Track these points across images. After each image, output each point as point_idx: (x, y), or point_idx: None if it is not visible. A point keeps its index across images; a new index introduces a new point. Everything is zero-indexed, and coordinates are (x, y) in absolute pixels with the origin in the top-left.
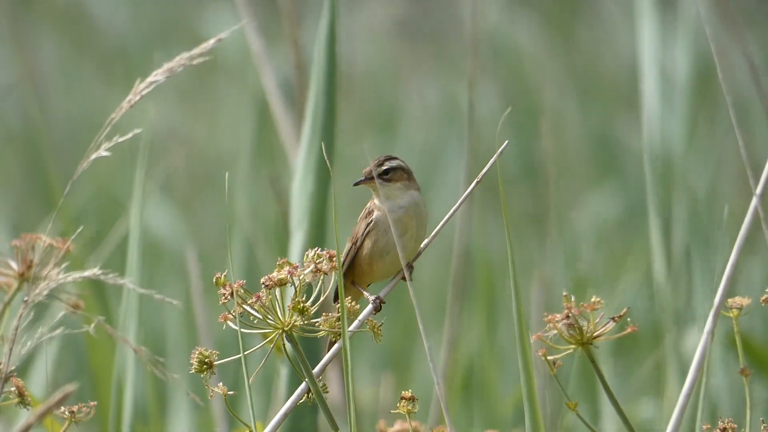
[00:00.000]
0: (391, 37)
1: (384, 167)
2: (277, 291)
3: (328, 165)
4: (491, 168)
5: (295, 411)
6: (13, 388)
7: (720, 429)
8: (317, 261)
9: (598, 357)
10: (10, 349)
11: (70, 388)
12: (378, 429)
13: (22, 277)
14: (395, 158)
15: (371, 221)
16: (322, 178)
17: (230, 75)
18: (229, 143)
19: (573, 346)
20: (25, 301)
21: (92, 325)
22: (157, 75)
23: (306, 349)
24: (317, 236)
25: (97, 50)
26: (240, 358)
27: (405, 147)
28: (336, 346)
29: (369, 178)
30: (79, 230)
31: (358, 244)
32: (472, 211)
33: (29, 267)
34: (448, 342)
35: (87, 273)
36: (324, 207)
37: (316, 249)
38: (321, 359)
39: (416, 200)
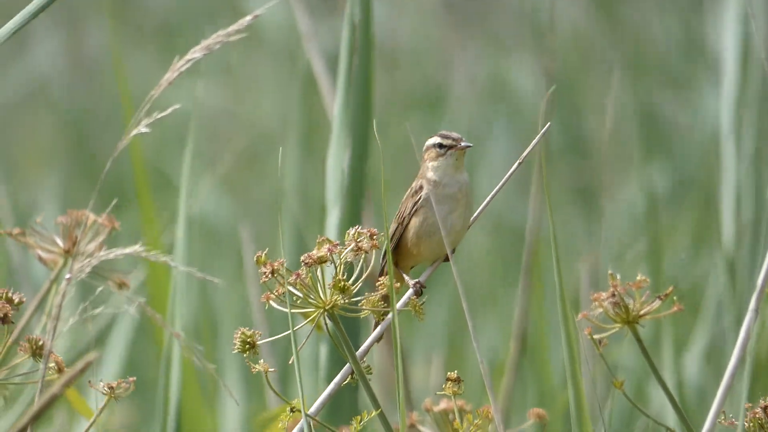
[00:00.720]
0: (436, 14)
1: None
2: (318, 269)
3: (377, 141)
4: (538, 147)
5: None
6: (53, 365)
7: (761, 407)
8: (358, 239)
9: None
10: (54, 326)
11: (92, 356)
12: (424, 407)
13: (68, 254)
14: None
15: (419, 198)
16: (358, 154)
17: (276, 51)
18: (276, 121)
19: (619, 324)
20: (68, 278)
21: (133, 306)
22: (195, 52)
23: (349, 330)
24: (353, 214)
25: (145, 28)
26: (289, 336)
27: (450, 125)
28: (381, 326)
29: (467, 145)
30: (113, 203)
31: (405, 223)
32: (536, 192)
33: (74, 244)
34: (517, 329)
35: (128, 250)
36: (360, 184)
37: (357, 227)
38: (363, 339)
39: (468, 180)
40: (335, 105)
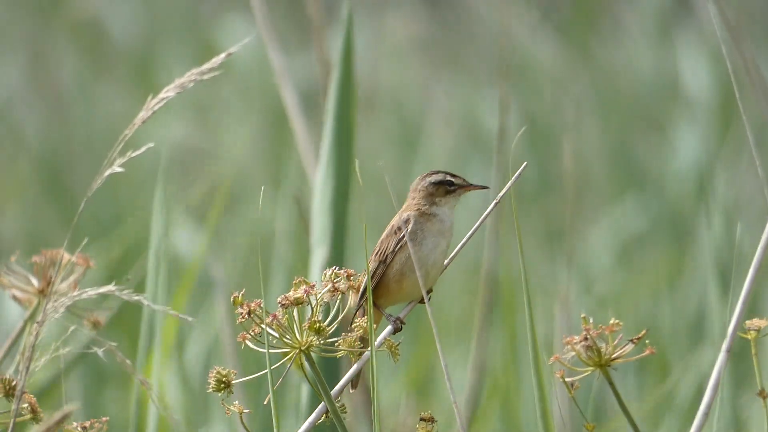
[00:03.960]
0: (411, 54)
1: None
2: (295, 311)
3: (359, 179)
4: (510, 187)
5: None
6: (26, 405)
7: None
8: (335, 280)
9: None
10: (27, 367)
11: (72, 407)
12: None
13: (42, 293)
14: None
15: (403, 236)
16: (342, 194)
17: (248, 85)
18: (248, 157)
19: (591, 368)
20: (38, 322)
21: (102, 349)
22: (168, 91)
23: (329, 369)
24: (338, 253)
25: (115, 63)
26: (264, 377)
27: (426, 163)
28: (357, 364)
29: (473, 186)
30: (84, 242)
31: (388, 261)
32: (499, 231)
33: (49, 283)
34: (476, 365)
35: (102, 289)
36: (344, 223)
37: (333, 268)
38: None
39: (452, 218)
40: (323, 146)
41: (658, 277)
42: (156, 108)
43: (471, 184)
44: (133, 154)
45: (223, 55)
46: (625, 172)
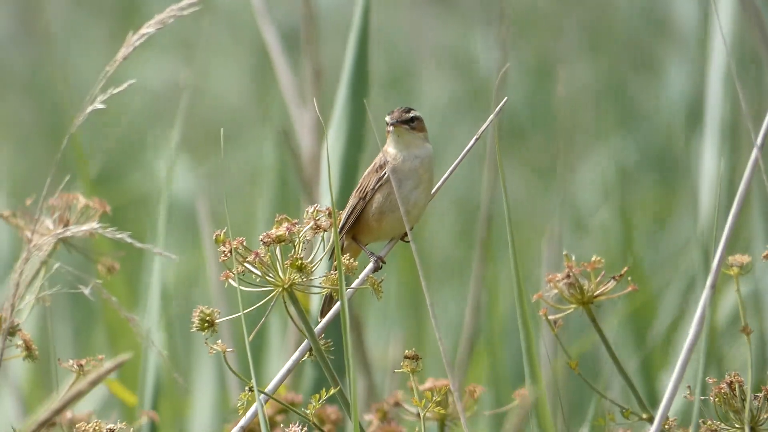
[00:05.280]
0: None
1: (410, 114)
2: (277, 248)
3: (374, 128)
4: (503, 123)
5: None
6: (20, 342)
7: (726, 382)
8: (316, 217)
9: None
10: (12, 305)
11: (124, 357)
12: (408, 386)
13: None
14: (415, 109)
15: (384, 174)
16: (355, 142)
17: (234, 23)
18: (231, 94)
19: (574, 305)
20: (24, 257)
21: (88, 288)
22: (149, 27)
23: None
24: (346, 200)
25: (102, 4)
26: (249, 316)
27: (417, 102)
28: (338, 304)
29: (399, 122)
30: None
31: (367, 198)
32: (494, 168)
33: (66, 226)
34: (473, 305)
35: (85, 227)
36: (355, 172)
37: (315, 205)
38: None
39: (430, 153)
40: (338, 95)
41: (646, 212)
42: (137, 44)
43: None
44: (115, 91)
45: None
46: (617, 109)
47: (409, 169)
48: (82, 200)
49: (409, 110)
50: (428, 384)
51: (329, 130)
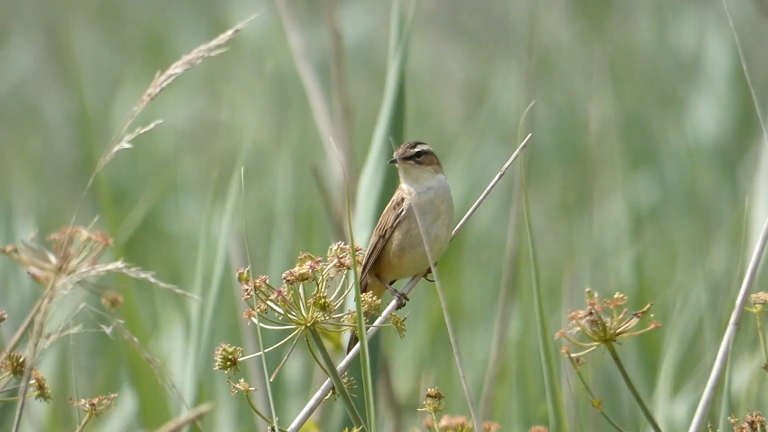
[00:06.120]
0: (425, 28)
1: (416, 149)
2: (300, 286)
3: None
4: (528, 159)
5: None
6: (33, 381)
7: (748, 422)
8: (340, 255)
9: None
10: (35, 344)
11: (205, 408)
12: (425, 424)
13: (60, 271)
14: (425, 144)
15: (402, 210)
16: (391, 179)
17: (256, 59)
18: (255, 130)
19: (596, 342)
20: (49, 296)
21: (110, 327)
22: (177, 67)
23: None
24: None
25: (130, 42)
26: (274, 354)
27: (439, 137)
28: (359, 342)
29: (403, 159)
30: (95, 220)
31: (387, 236)
32: (519, 206)
33: (66, 260)
34: (498, 340)
35: (111, 266)
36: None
37: (339, 243)
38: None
39: (444, 184)
40: (377, 132)
41: (672, 250)
42: (164, 84)
43: (396, 158)
44: (142, 131)
45: (230, 32)
46: (641, 145)
47: (425, 202)
48: (84, 234)
49: (415, 145)
50: (444, 422)
51: (366, 167)
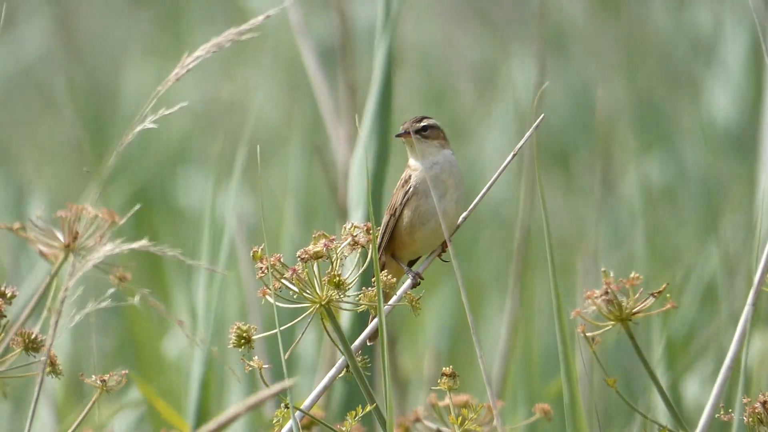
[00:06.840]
0: (436, 8)
1: (422, 124)
2: (315, 264)
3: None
4: (540, 140)
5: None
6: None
7: (761, 402)
8: (354, 234)
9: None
10: (56, 322)
11: (289, 382)
12: (429, 401)
13: (68, 249)
14: (431, 117)
15: (409, 188)
16: (381, 157)
17: (268, 42)
18: (269, 110)
19: (612, 322)
20: (71, 274)
21: (136, 297)
22: (205, 49)
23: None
24: (375, 215)
25: (144, 24)
26: (284, 332)
27: (453, 118)
28: (375, 320)
29: (407, 132)
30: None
31: (397, 214)
32: (531, 184)
33: (75, 238)
34: (509, 320)
35: (136, 245)
36: (382, 186)
37: (353, 222)
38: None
39: (451, 159)
40: (367, 111)
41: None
42: (191, 66)
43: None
44: (166, 112)
45: (261, 17)
46: (655, 127)
47: (431, 177)
48: (91, 211)
49: (421, 119)
50: (446, 401)
51: (356, 147)
